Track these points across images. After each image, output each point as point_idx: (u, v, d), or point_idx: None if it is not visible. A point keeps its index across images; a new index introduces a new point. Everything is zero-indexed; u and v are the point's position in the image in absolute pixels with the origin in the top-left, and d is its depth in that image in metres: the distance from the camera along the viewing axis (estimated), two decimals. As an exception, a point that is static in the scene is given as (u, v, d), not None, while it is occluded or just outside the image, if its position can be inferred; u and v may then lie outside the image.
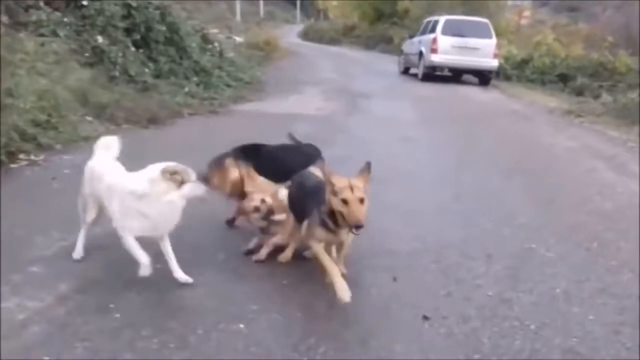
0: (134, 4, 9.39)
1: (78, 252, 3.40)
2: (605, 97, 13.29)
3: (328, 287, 2.95)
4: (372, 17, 36.89)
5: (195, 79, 10.21)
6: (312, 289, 3.20)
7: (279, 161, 4.03)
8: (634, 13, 23.93)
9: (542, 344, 2.83)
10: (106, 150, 3.47)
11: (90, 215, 3.36)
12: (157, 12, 9.91)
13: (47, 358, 2.46)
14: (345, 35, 39.53)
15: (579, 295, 3.39)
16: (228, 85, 11.01)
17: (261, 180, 3.89)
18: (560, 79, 17.95)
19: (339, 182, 2.83)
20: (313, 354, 2.59)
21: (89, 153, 3.55)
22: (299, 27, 52.36)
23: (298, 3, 67.25)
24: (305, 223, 3.17)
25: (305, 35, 43.94)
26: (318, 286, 3.14)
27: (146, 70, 9.16)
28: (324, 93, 12.35)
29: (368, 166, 2.95)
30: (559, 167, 6.94)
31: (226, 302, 3.03)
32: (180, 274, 3.20)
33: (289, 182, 3.63)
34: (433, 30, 17.17)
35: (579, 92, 15.89)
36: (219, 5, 29.51)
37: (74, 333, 2.66)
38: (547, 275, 3.66)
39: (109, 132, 6.68)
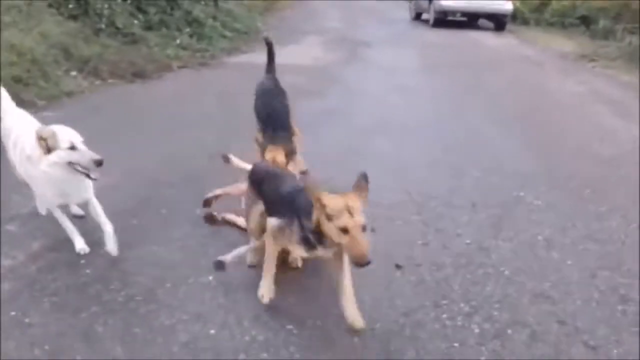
0: None
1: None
2: (629, 39, 12.99)
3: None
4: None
5: (187, 30, 10.12)
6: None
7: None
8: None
9: (514, 289, 2.91)
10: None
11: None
12: (145, -41, 9.75)
13: (13, 313, 2.57)
14: (357, -19, 38.67)
15: (561, 241, 3.44)
16: (223, 36, 10.90)
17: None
18: (581, 21, 17.43)
19: (332, 203, 2.27)
20: (280, 303, 2.68)
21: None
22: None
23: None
24: (274, 224, 2.65)
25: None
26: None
27: (135, 21, 9.12)
28: (325, 43, 12.25)
29: (364, 179, 2.37)
30: (561, 114, 6.90)
31: (198, 256, 3.11)
32: (111, 247, 3.06)
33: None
34: (444, -28, 16.77)
35: (602, 35, 15.49)
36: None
37: (42, 289, 2.77)
38: (531, 223, 3.70)
39: (92, 87, 6.84)
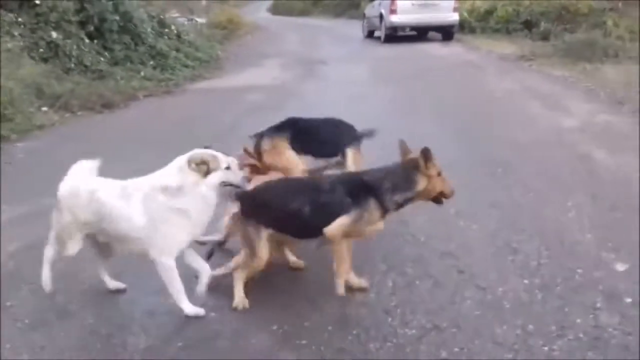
0: None
1: (47, 284, 3.00)
2: (565, 38, 13.74)
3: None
4: (340, -15, 36.99)
5: (151, 62, 10.71)
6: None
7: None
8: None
9: (426, 251, 3.41)
10: (86, 172, 3.01)
11: (74, 246, 2.89)
12: (110, 2, 10.31)
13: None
14: (315, 5, 39.60)
15: (469, 211, 3.93)
16: (185, 66, 11.50)
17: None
18: (524, 26, 18.23)
19: (431, 156, 2.79)
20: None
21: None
22: (269, 2, 52.17)
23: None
24: (344, 221, 2.75)
25: (275, 9, 43.93)
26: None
27: (101, 59, 9.68)
28: (284, 64, 12.79)
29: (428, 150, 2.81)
30: (494, 108, 7.47)
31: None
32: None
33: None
34: (392, -10, 17.47)
35: (543, 37, 16.25)
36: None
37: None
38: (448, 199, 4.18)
39: (63, 120, 7.28)
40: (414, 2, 16.80)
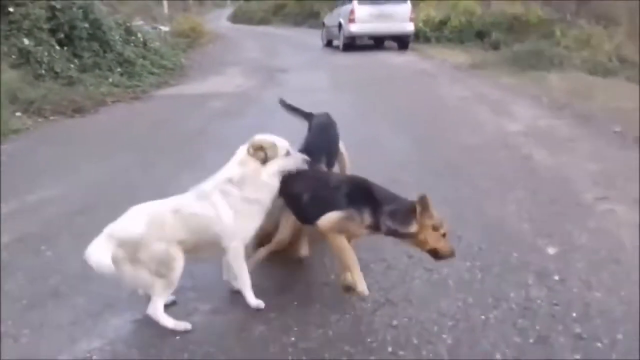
0: (58, 5, 10.05)
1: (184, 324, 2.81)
2: (514, 47, 14.40)
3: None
4: (300, -6, 37.49)
5: (119, 69, 10.91)
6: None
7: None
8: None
9: (381, 239, 3.58)
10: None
11: (179, 264, 2.74)
12: (80, 11, 10.48)
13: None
14: (275, 14, 40.00)
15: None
16: (151, 73, 11.74)
17: None
18: (477, 36, 18.99)
19: (436, 215, 2.79)
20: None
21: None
22: (229, 10, 52.28)
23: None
24: (335, 216, 2.85)
25: (235, 18, 44.12)
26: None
27: (71, 65, 9.85)
28: (245, 72, 13.07)
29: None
30: (445, 114, 7.91)
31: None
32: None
33: None
34: (350, 0, 17.95)
35: (495, 47, 16.93)
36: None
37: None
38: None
39: (36, 124, 7.48)
40: (371, 12, 17.32)
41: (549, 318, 2.82)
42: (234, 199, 2.80)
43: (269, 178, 2.87)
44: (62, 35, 10.03)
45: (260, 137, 2.91)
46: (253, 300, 2.93)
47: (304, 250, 3.43)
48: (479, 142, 6.24)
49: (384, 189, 2.95)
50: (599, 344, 2.59)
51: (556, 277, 3.21)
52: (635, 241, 3.61)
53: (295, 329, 2.79)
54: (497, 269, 3.33)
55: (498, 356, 2.54)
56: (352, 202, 2.85)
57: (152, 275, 2.68)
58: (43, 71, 9.09)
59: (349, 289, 2.95)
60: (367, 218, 2.83)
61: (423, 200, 2.77)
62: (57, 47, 9.80)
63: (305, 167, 2.99)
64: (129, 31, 12.89)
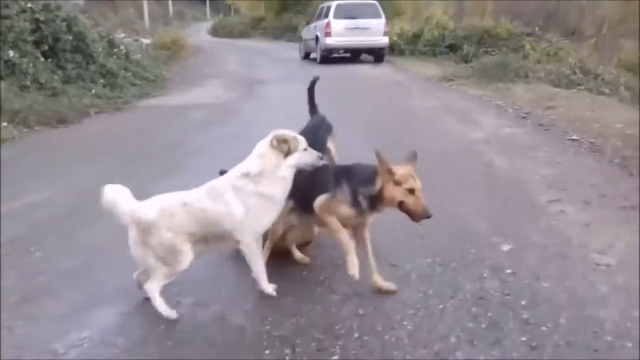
0: (42, 18, 10.16)
1: (169, 312, 2.97)
2: (482, 61, 14.85)
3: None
4: (278, 8, 37.78)
5: (102, 81, 11.04)
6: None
7: None
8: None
9: None
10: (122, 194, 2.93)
11: (186, 258, 2.92)
12: (64, 23, 10.59)
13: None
14: (254, 28, 40.23)
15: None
16: (133, 85, 11.89)
17: None
18: (450, 49, 19.47)
19: (400, 169, 2.84)
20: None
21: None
22: (209, 23, 52.37)
23: (207, 0, 67.09)
24: (324, 197, 3.04)
25: (215, 32, 44.13)
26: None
27: (55, 77, 9.97)
28: (225, 83, 13.29)
29: (414, 155, 3.02)
30: (415, 123, 8.22)
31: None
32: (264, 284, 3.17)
33: None
34: (326, 15, 18.23)
35: (466, 60, 17.38)
36: (128, 10, 29.61)
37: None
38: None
39: (22, 135, 7.64)
40: (346, 26, 17.69)
41: (500, 306, 3.08)
42: (246, 194, 2.90)
43: (287, 172, 2.96)
44: (46, 47, 10.17)
45: (283, 131, 3.01)
46: (268, 288, 3.14)
47: (298, 254, 3.67)
48: (445, 148, 6.54)
49: (364, 166, 3.06)
50: (543, 328, 2.86)
51: (508, 271, 3.48)
52: (581, 238, 3.92)
53: (270, 319, 3.00)
54: (455, 264, 3.59)
55: (453, 339, 2.79)
56: (337, 183, 3.01)
57: (157, 261, 2.86)
58: (28, 82, 9.23)
59: (380, 290, 3.22)
60: (348, 194, 2.97)
61: (379, 157, 2.85)
62: (42, 59, 9.93)
63: (320, 163, 3.06)
64: (111, 43, 13.04)
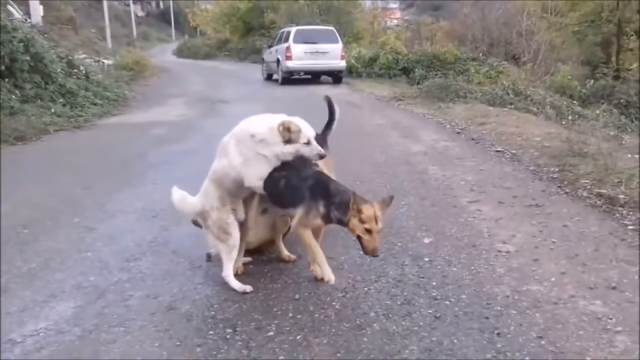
0: None
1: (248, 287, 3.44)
2: (427, 83, 15.58)
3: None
4: (242, 31, 38.41)
5: (61, 100, 11.07)
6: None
7: None
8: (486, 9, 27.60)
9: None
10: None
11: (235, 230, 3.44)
12: (21, 44, 10.60)
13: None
14: (220, 50, 40.63)
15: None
16: (94, 104, 11.98)
17: None
18: (403, 71, 20.31)
19: (367, 210, 3.05)
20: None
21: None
22: (175, 45, 52.43)
23: (172, 22, 67.11)
24: (300, 213, 3.25)
25: (180, 53, 44.32)
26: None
27: (12, 96, 9.94)
28: (188, 102, 13.58)
29: (390, 199, 3.22)
30: (362, 138, 8.66)
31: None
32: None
33: None
34: (287, 39, 18.77)
35: (418, 82, 18.15)
36: (89, 31, 29.52)
37: None
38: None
39: None
40: (306, 50, 18.24)
41: (414, 287, 3.47)
42: (247, 148, 3.21)
43: (283, 153, 3.16)
44: (2, 68, 10.14)
45: (292, 120, 3.18)
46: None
47: (284, 253, 3.92)
48: (386, 160, 7.00)
49: (339, 184, 3.31)
50: (447, 302, 3.27)
51: (427, 259, 3.89)
52: (491, 231, 4.40)
53: (216, 305, 3.31)
54: (383, 254, 3.95)
55: (372, 314, 3.16)
56: (312, 194, 3.20)
57: (216, 239, 3.39)
58: (-15, 102, 9.18)
59: (318, 279, 3.49)
60: (322, 209, 3.19)
61: (355, 196, 3.10)
62: (-1, 79, 9.91)
63: (317, 160, 3.22)
64: (70, 64, 13.05)
